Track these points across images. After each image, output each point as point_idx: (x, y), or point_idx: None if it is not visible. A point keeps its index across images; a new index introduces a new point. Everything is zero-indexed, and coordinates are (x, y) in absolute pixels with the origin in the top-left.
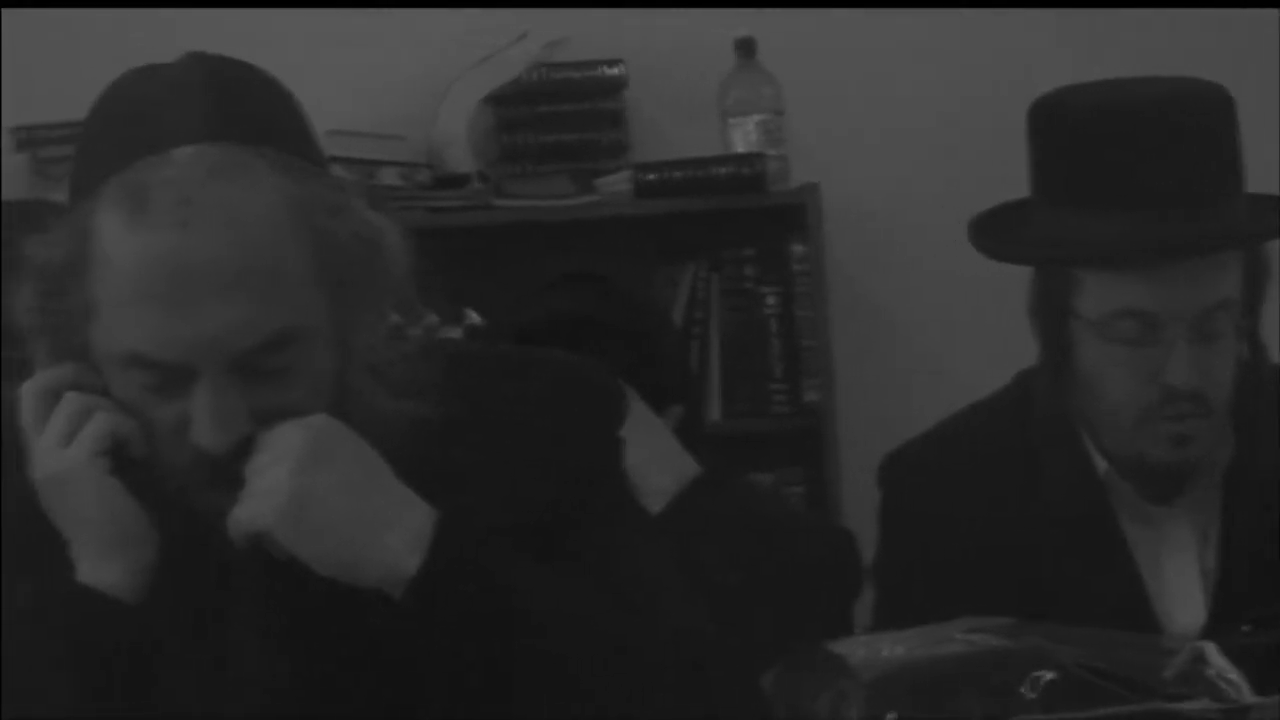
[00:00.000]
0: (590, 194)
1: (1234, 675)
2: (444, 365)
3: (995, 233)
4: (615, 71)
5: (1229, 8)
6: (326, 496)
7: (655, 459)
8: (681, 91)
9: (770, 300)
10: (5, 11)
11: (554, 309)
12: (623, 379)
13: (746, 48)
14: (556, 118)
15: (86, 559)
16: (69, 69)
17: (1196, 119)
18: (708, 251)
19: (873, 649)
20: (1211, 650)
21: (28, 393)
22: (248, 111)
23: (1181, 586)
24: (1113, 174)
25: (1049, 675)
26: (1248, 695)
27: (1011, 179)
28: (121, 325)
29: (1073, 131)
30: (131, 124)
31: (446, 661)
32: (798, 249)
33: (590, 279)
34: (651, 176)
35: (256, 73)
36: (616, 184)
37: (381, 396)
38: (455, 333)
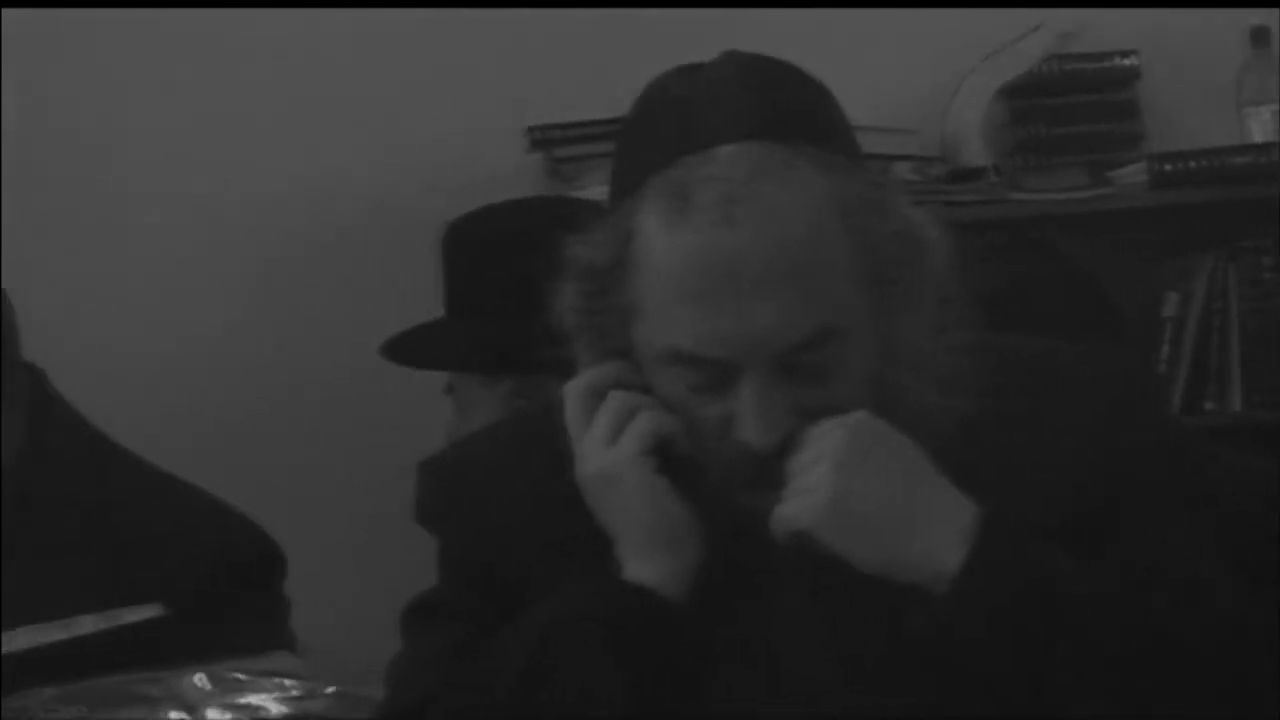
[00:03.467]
0: (1105, 186)
1: None
2: (988, 360)
3: None
4: (1129, 62)
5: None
6: (868, 494)
7: None
8: (1196, 81)
9: None
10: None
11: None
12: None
13: (1261, 36)
14: (1070, 110)
15: (633, 557)
16: (584, 69)
17: None
18: (1224, 242)
19: None
20: None
21: (572, 392)
22: (788, 109)
23: None
24: None
25: None
26: None
27: None
28: (665, 323)
29: None
30: (672, 123)
31: (989, 657)
32: None
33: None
34: (1167, 167)
35: (794, 70)
36: (1131, 175)
37: (924, 392)
38: None
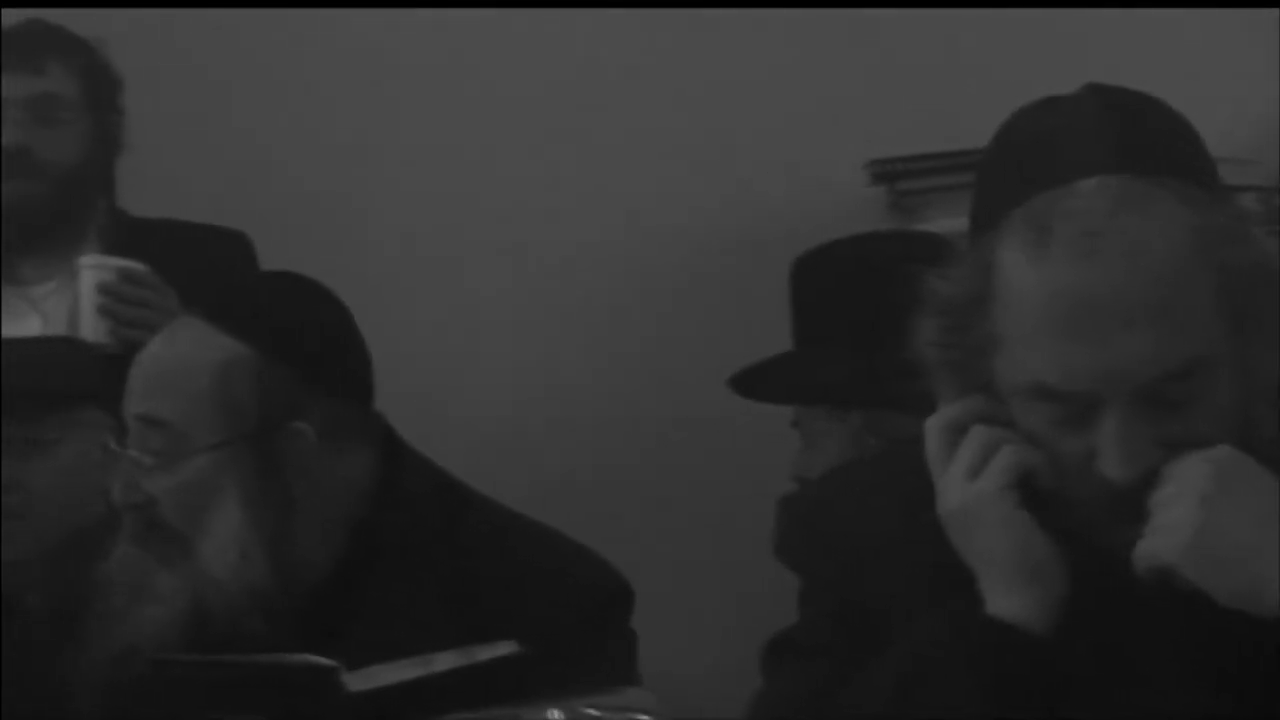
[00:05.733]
0: None
1: None
2: None
3: None
4: None
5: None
6: (1231, 529)
7: None
8: None
9: None
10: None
11: None
12: None
13: None
14: None
15: (996, 591)
16: (929, 100)
17: None
18: None
19: None
20: None
21: (933, 427)
22: (1148, 142)
23: None
24: None
25: None
26: None
27: None
28: (1026, 357)
29: None
30: (1032, 156)
31: None
32: None
33: None
34: None
35: (1155, 102)
36: None
37: None
38: None
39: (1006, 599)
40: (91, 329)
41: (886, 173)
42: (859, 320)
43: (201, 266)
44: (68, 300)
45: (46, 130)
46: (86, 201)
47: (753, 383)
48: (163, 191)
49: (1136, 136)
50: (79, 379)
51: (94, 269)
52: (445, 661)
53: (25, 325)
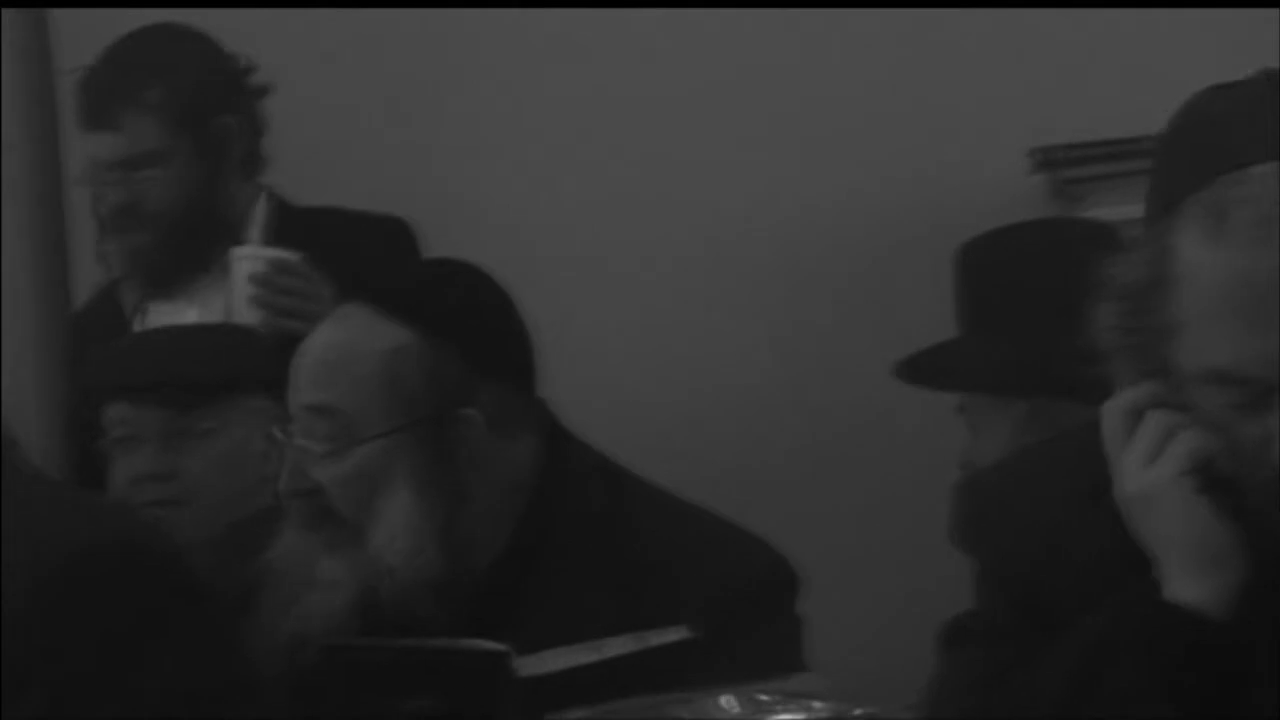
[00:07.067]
0: None
1: None
2: None
3: None
4: None
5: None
6: None
7: None
8: None
9: None
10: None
11: None
12: None
13: None
14: None
15: (1174, 576)
16: (1089, 89)
17: None
18: None
19: None
20: None
21: (1111, 411)
22: None
23: None
24: None
25: None
26: None
27: None
28: (1204, 342)
29: None
30: (1208, 141)
31: None
32: None
33: None
34: None
35: None
36: None
37: None
38: None
39: (1184, 584)
40: (244, 319)
41: (1050, 160)
42: (1026, 306)
43: (363, 254)
44: (223, 291)
45: (142, 185)
46: (218, 213)
47: (920, 369)
48: None
49: None
50: (238, 366)
51: (247, 259)
52: (616, 647)
53: (183, 317)
